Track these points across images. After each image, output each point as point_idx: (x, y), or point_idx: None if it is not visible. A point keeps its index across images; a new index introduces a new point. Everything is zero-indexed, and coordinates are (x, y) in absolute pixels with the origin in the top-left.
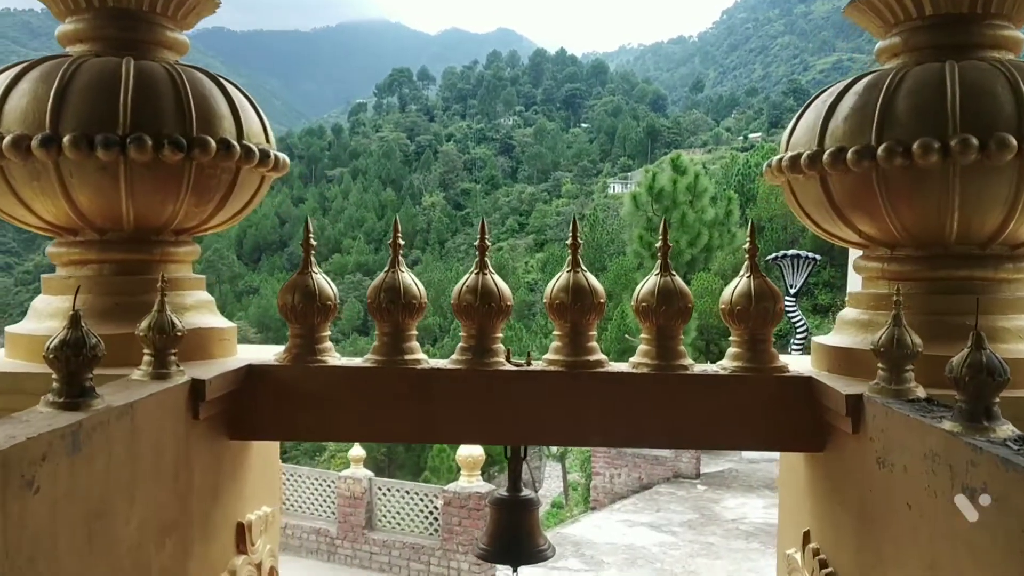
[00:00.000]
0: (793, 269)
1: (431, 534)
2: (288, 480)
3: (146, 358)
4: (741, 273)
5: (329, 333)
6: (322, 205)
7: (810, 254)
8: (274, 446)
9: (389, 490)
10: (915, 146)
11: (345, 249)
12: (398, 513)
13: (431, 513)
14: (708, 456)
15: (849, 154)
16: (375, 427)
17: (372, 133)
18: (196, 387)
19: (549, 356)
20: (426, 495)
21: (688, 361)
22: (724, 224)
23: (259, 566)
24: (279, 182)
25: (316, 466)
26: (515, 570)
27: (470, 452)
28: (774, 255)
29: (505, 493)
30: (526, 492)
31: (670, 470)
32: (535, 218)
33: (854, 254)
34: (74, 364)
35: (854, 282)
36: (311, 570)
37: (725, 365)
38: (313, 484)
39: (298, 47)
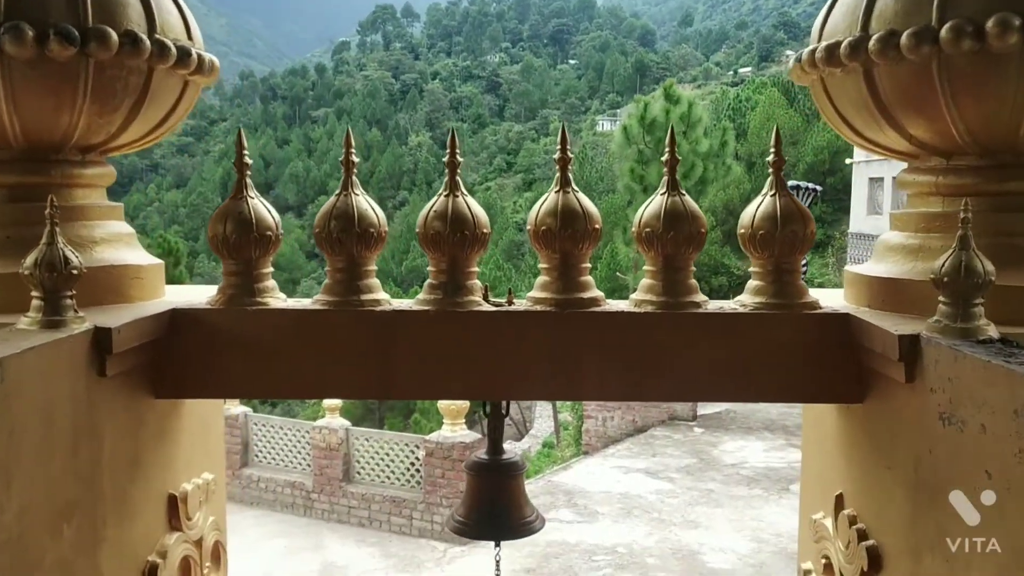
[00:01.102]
0: None
1: (413, 487)
2: (260, 431)
3: (35, 302)
4: (764, 191)
5: (271, 270)
6: (307, 146)
7: (811, 185)
8: (215, 404)
9: (367, 440)
10: (990, 24)
11: (331, 191)
12: (377, 465)
13: (412, 464)
14: None
15: (903, 38)
16: (327, 381)
17: (356, 72)
18: (100, 337)
19: (535, 294)
20: (407, 445)
21: (700, 297)
22: (719, 156)
23: (199, 543)
24: (262, 123)
25: (301, 415)
26: (497, 545)
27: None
28: None
29: (484, 456)
30: (509, 455)
31: (665, 412)
32: (523, 157)
33: (858, 184)
34: None
35: (858, 213)
36: (286, 525)
37: (744, 301)
38: (286, 435)
39: None
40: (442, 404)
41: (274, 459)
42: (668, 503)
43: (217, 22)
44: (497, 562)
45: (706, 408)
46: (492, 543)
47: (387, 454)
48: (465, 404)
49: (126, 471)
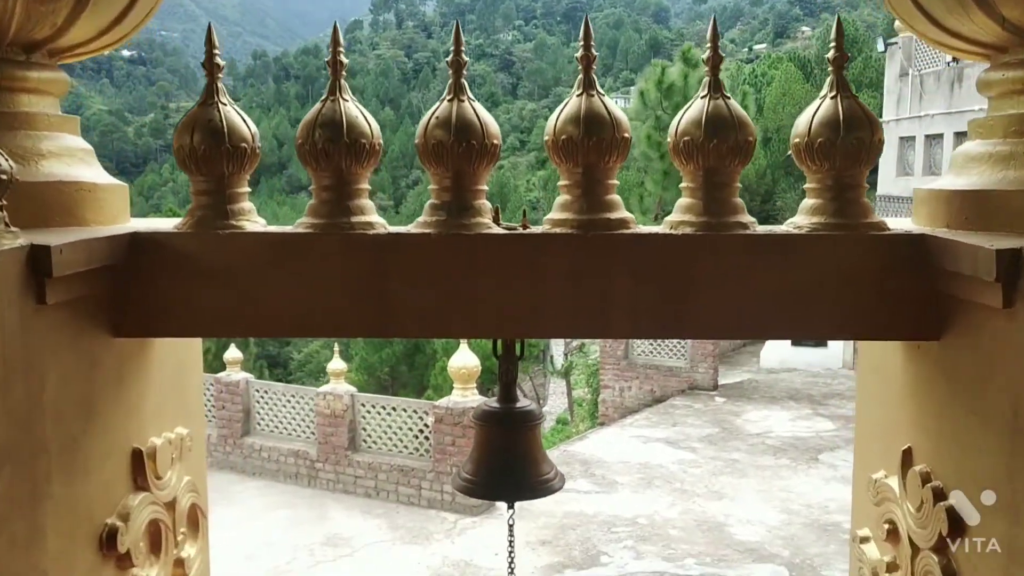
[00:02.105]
0: None
1: (421, 455)
2: (262, 398)
3: None
4: (823, 93)
5: (248, 190)
6: None
7: None
8: (191, 346)
9: (374, 407)
10: None
11: None
12: (384, 432)
13: (421, 431)
14: (725, 366)
15: None
16: (312, 318)
17: (369, 51)
18: (37, 256)
19: (554, 215)
20: (415, 412)
21: (747, 218)
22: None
23: (172, 505)
24: (275, 103)
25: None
26: (511, 507)
27: (463, 362)
28: None
29: (496, 404)
30: (523, 403)
31: (685, 382)
32: (536, 135)
33: (887, 145)
34: None
35: (886, 175)
36: (289, 496)
37: (799, 223)
38: (289, 402)
39: None
40: (452, 366)
41: (277, 427)
42: (691, 473)
43: (230, 2)
44: (510, 526)
45: (727, 378)
46: (504, 506)
47: (394, 421)
48: (476, 367)
49: (77, 419)
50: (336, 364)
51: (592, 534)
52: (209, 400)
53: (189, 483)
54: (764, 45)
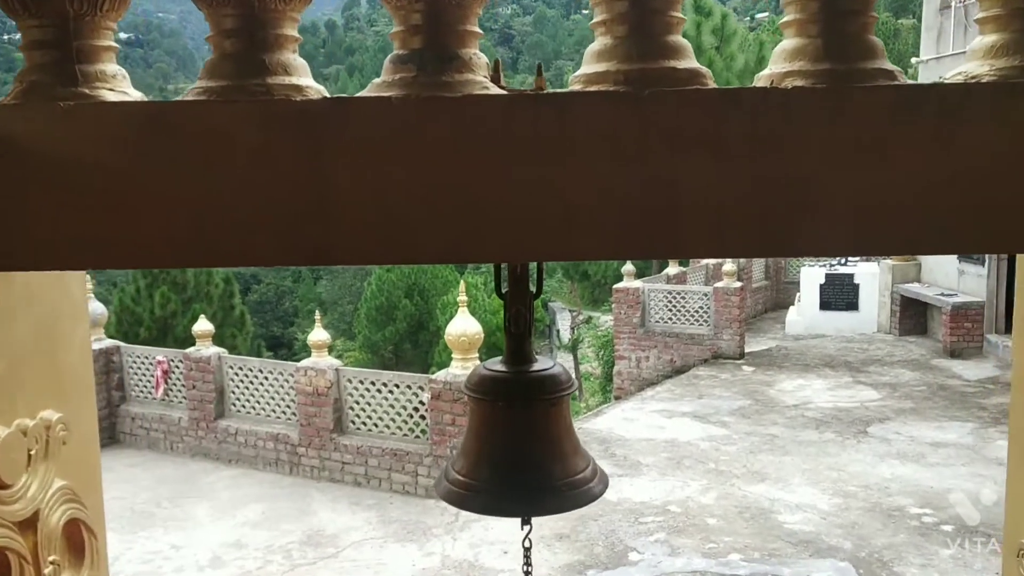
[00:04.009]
0: None
1: (417, 436)
2: (236, 376)
3: None
4: None
5: (115, 46)
6: None
7: None
8: (69, 288)
9: (362, 383)
10: None
11: None
12: (375, 411)
13: (416, 410)
14: (748, 333)
15: None
16: (214, 237)
17: (367, 28)
18: None
19: (588, 68)
20: (409, 387)
21: (889, 65)
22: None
23: (31, 524)
24: None
25: None
26: (527, 522)
27: (463, 329)
28: None
29: (500, 367)
30: (543, 364)
31: (708, 350)
32: None
33: None
34: None
35: None
36: (268, 486)
37: (973, 71)
38: (266, 379)
39: None
40: (450, 334)
41: (254, 408)
42: (725, 451)
43: None
44: (527, 550)
45: (752, 345)
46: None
47: (386, 398)
48: (478, 335)
49: None
50: (318, 335)
51: (617, 526)
52: (179, 379)
53: (64, 491)
54: (766, 13)
